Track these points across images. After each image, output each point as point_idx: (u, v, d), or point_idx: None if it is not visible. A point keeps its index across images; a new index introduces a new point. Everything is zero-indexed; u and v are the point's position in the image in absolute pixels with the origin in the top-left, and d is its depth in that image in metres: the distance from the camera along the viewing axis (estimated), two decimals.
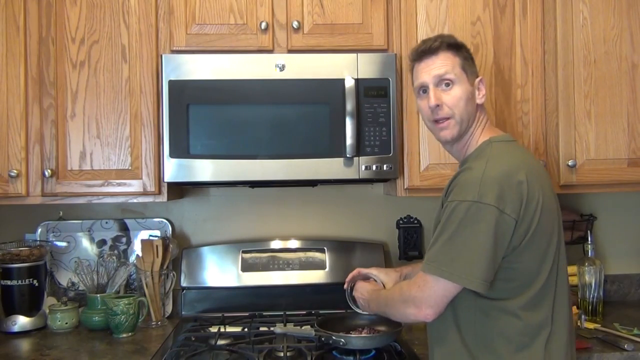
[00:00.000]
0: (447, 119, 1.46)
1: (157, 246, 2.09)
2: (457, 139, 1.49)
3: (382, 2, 1.96)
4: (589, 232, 2.15)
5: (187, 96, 1.85)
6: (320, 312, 2.10)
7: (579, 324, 1.91)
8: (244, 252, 2.20)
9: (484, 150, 1.43)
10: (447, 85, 1.45)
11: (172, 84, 1.85)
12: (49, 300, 2.09)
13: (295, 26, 1.94)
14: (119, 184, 1.91)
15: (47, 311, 2.03)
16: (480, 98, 1.49)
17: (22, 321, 2.00)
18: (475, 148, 1.47)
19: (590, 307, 2.03)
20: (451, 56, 1.47)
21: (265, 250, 2.22)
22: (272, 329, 1.92)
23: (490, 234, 1.28)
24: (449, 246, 1.32)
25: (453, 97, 1.45)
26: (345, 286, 1.78)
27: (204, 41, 1.94)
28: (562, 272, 1.39)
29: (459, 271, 1.29)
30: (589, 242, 2.11)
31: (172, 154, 1.85)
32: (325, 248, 2.22)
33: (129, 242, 2.25)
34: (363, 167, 1.87)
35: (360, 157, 1.87)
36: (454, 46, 1.48)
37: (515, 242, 1.31)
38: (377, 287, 1.68)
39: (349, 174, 1.87)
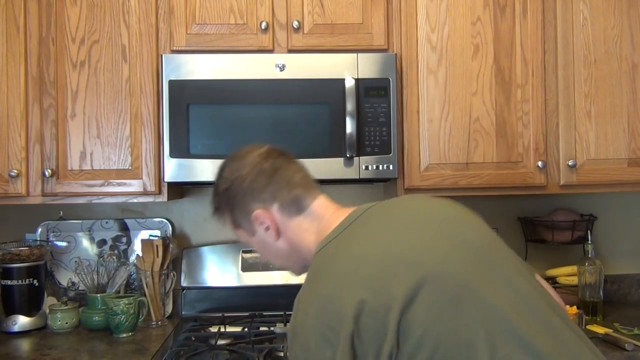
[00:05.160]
0: None
1: (157, 246, 2.09)
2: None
3: (382, 2, 1.96)
4: (589, 232, 2.15)
5: (187, 96, 1.85)
6: None
7: (579, 324, 1.91)
8: (244, 252, 2.20)
9: (310, 268, 1.05)
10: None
11: (172, 83, 1.85)
12: (49, 300, 2.09)
13: (295, 26, 1.94)
14: (119, 184, 1.91)
15: (47, 311, 2.03)
16: (269, 234, 1.15)
17: (22, 321, 2.00)
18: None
19: (590, 307, 2.03)
20: (225, 220, 1.24)
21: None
22: (272, 329, 1.92)
23: None
24: None
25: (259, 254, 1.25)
26: None
27: (204, 41, 1.94)
28: None
29: None
30: (589, 242, 2.10)
31: (172, 154, 1.85)
32: None
33: (129, 242, 2.25)
34: (363, 167, 1.87)
35: (360, 157, 1.87)
36: (215, 210, 1.26)
37: None
38: None
39: (349, 174, 1.87)
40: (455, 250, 0.97)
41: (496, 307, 0.90)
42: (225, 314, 2.10)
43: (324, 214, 1.14)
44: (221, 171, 1.23)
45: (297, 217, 1.15)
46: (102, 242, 2.25)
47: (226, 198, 1.20)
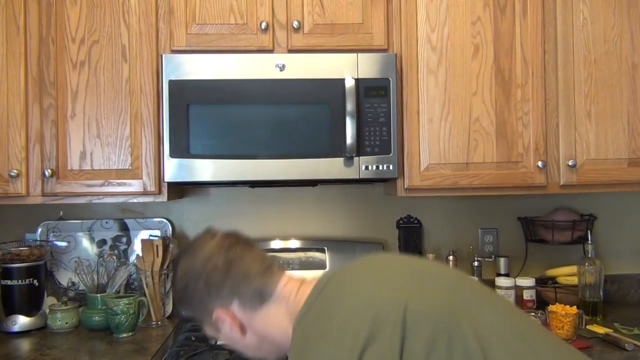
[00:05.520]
0: None
1: (157, 246, 2.09)
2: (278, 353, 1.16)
3: (382, 2, 1.97)
4: (589, 232, 2.15)
5: (187, 96, 1.85)
6: None
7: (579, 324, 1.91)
8: None
9: (294, 342, 0.99)
10: None
11: (172, 83, 1.85)
12: (49, 300, 2.09)
13: (295, 26, 1.94)
14: (119, 184, 1.91)
15: (47, 311, 2.03)
16: (234, 331, 1.12)
17: (22, 321, 2.00)
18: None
19: (590, 307, 2.03)
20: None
21: (265, 250, 2.21)
22: None
23: None
24: None
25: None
26: None
27: (204, 41, 1.94)
28: None
29: None
30: (589, 242, 2.11)
31: (172, 154, 1.85)
32: (325, 248, 2.22)
33: (129, 242, 2.25)
34: (363, 167, 1.87)
35: (360, 157, 1.87)
36: (179, 304, 1.21)
37: None
38: None
39: (349, 174, 1.87)
40: (433, 285, 0.99)
41: (489, 333, 0.90)
42: None
43: (291, 292, 1.10)
44: (175, 268, 1.17)
45: (261, 307, 1.10)
46: (102, 242, 2.25)
47: (185, 297, 1.15)
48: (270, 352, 1.16)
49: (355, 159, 1.86)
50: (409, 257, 1.11)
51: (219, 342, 1.18)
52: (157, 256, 2.09)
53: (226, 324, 1.11)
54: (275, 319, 1.10)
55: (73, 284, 2.19)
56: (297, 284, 1.11)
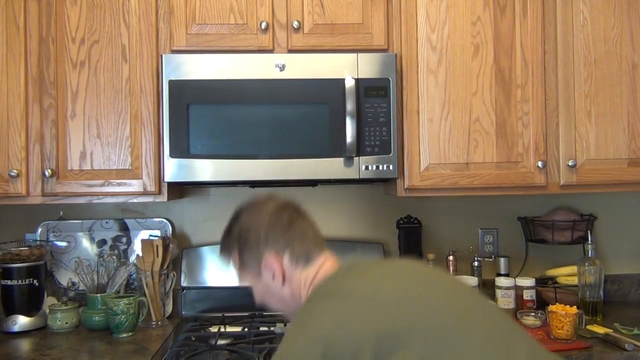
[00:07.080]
0: None
1: (157, 246, 2.09)
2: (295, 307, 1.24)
3: (382, 2, 1.97)
4: (589, 232, 2.15)
5: (187, 96, 1.85)
6: None
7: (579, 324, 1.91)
8: None
9: (302, 310, 1.12)
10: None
11: (172, 83, 1.85)
12: (49, 300, 2.09)
13: (295, 26, 1.94)
14: (119, 184, 1.91)
15: (47, 311, 2.03)
16: (276, 280, 1.23)
17: (22, 321, 2.00)
18: None
19: (590, 307, 2.03)
20: (232, 260, 1.31)
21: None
22: (272, 328, 1.93)
23: None
24: None
25: (256, 297, 1.32)
26: None
27: (204, 41, 1.94)
28: None
29: None
30: (589, 242, 2.11)
31: (172, 154, 1.85)
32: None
33: (129, 242, 2.25)
34: (363, 167, 1.87)
35: (360, 157, 1.87)
36: (223, 248, 1.31)
37: None
38: None
39: (349, 174, 1.87)
40: (436, 299, 1.05)
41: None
42: (225, 314, 2.10)
43: (324, 265, 1.23)
44: (237, 216, 1.29)
45: (303, 269, 1.23)
46: (102, 242, 2.25)
47: (238, 240, 1.27)
48: (292, 310, 1.25)
49: (355, 159, 1.86)
50: (425, 266, 1.23)
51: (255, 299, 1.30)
52: (157, 256, 2.09)
53: (272, 269, 1.22)
54: (307, 283, 1.22)
55: (73, 284, 2.19)
56: (332, 260, 1.25)
